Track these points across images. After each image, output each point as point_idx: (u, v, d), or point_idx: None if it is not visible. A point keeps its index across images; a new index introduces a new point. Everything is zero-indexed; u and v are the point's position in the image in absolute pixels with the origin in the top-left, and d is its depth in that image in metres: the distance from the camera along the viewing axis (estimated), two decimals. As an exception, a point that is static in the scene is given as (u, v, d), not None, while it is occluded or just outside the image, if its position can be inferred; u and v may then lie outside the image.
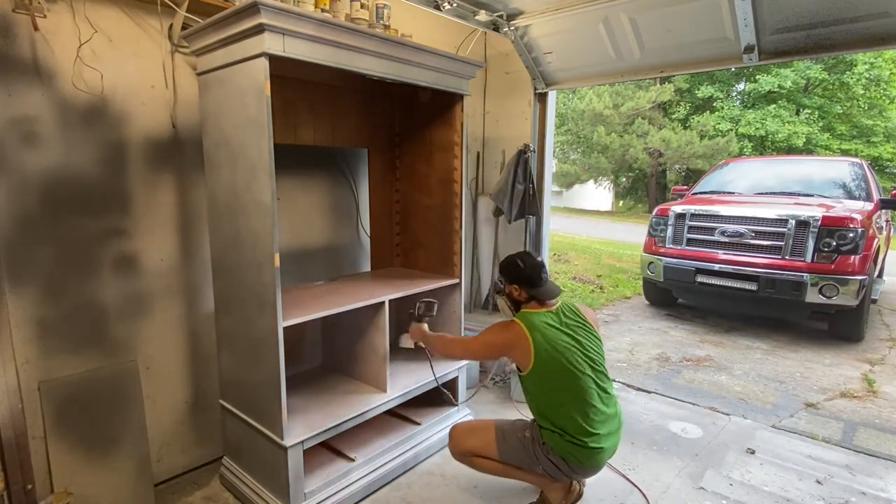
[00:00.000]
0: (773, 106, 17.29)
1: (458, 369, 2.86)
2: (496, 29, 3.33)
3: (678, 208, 5.51)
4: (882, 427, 3.23)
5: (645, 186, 21.71)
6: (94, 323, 2.14)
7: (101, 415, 2.13)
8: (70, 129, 2.00)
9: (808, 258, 4.61)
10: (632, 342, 4.87)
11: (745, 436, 3.01)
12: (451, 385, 2.87)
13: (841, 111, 17.20)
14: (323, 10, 2.04)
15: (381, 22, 2.29)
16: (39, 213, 1.96)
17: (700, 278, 5.16)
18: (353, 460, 2.35)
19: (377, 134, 3.04)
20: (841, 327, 4.98)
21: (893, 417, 3.38)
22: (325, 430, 2.17)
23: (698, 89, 18.82)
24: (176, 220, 2.35)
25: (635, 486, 2.47)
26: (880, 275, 6.39)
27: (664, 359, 4.43)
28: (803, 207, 4.87)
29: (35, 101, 1.91)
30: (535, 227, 3.84)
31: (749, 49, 2.78)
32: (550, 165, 4.00)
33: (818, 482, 2.55)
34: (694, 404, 3.45)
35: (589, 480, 2.44)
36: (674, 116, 19.60)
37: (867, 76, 16.04)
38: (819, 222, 4.61)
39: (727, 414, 3.31)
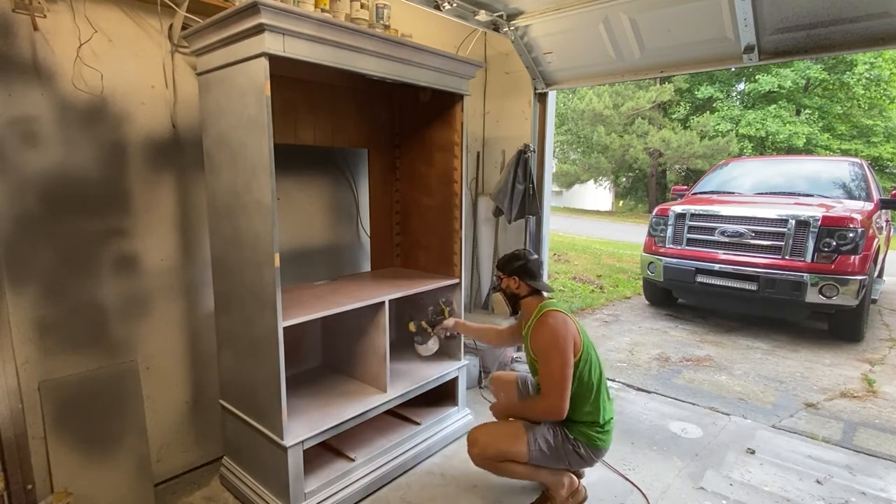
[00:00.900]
0: (774, 106, 17.29)
1: (457, 369, 2.86)
2: (496, 29, 3.33)
3: (678, 208, 5.51)
4: (882, 427, 3.23)
5: (645, 186, 21.72)
6: (94, 323, 2.14)
7: (101, 415, 2.13)
8: (70, 129, 2.00)
9: (808, 258, 4.61)
10: (632, 342, 4.87)
11: (745, 436, 3.01)
12: (452, 385, 2.87)
13: (841, 111, 17.19)
14: (323, 10, 2.05)
15: (381, 22, 2.29)
16: (39, 213, 1.96)
17: (700, 278, 5.17)
18: (353, 460, 2.35)
19: (377, 134, 3.04)
20: (841, 327, 4.98)
21: (893, 417, 3.38)
22: (325, 430, 2.17)
23: (698, 89, 18.82)
24: (176, 220, 2.35)
25: (635, 486, 2.47)
26: (880, 275, 6.39)
27: (664, 359, 4.43)
28: (803, 207, 4.87)
29: (35, 101, 1.91)
30: (535, 227, 3.84)
31: (749, 49, 2.78)
32: (550, 165, 4.00)
33: (818, 482, 2.55)
34: (694, 404, 3.45)
35: (589, 481, 2.45)
36: (674, 116, 19.61)
37: (867, 76, 16.03)
38: (819, 222, 4.61)
39: (727, 414, 3.31)
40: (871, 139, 16.87)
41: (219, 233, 2.19)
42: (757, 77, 17.29)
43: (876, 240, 4.93)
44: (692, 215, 5.37)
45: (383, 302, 2.42)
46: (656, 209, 5.87)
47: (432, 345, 2.68)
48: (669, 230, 5.51)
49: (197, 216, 2.41)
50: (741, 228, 5.00)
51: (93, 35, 2.00)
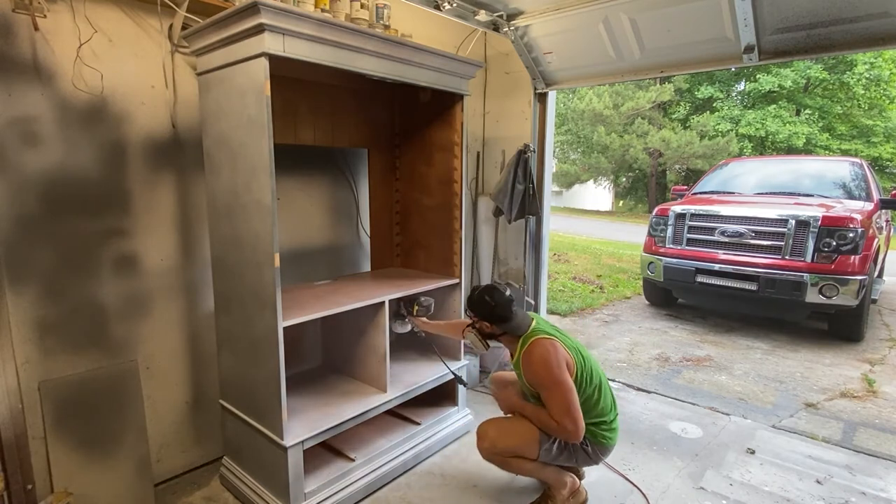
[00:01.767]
0: (774, 106, 17.30)
1: (457, 369, 2.86)
2: (496, 29, 3.33)
3: (678, 208, 5.51)
4: (882, 427, 3.23)
5: (645, 186, 21.72)
6: (94, 323, 2.14)
7: (101, 415, 2.13)
8: (70, 129, 2.00)
9: (808, 258, 4.61)
10: (632, 342, 4.87)
11: (745, 436, 3.01)
12: (452, 385, 2.87)
13: (841, 111, 17.20)
14: (323, 10, 2.05)
15: (381, 22, 2.29)
16: (39, 213, 1.96)
17: (700, 278, 5.17)
18: (353, 460, 2.35)
19: (377, 134, 3.04)
20: (841, 327, 4.98)
21: (893, 417, 3.38)
22: (325, 430, 2.17)
23: (698, 89, 18.83)
24: (176, 220, 2.35)
25: (635, 486, 2.47)
26: (880, 275, 6.39)
27: (664, 359, 4.43)
28: (803, 207, 4.87)
29: (35, 101, 1.91)
30: (535, 227, 3.84)
31: (749, 49, 2.78)
32: (550, 165, 4.00)
33: (818, 482, 2.55)
34: (694, 404, 3.45)
35: (589, 481, 2.45)
36: (674, 116, 19.61)
37: (867, 76, 16.04)
38: (819, 222, 4.61)
39: (727, 414, 3.31)
40: (871, 139, 16.87)
41: (219, 233, 2.19)
42: (757, 77, 17.29)
43: (876, 240, 4.93)
44: (692, 215, 5.37)
45: (383, 302, 2.42)
46: (656, 209, 5.87)
47: (404, 327, 2.71)
48: (669, 230, 5.51)
49: (197, 216, 2.41)
50: (741, 228, 5.00)
51: (93, 35, 2.00)
